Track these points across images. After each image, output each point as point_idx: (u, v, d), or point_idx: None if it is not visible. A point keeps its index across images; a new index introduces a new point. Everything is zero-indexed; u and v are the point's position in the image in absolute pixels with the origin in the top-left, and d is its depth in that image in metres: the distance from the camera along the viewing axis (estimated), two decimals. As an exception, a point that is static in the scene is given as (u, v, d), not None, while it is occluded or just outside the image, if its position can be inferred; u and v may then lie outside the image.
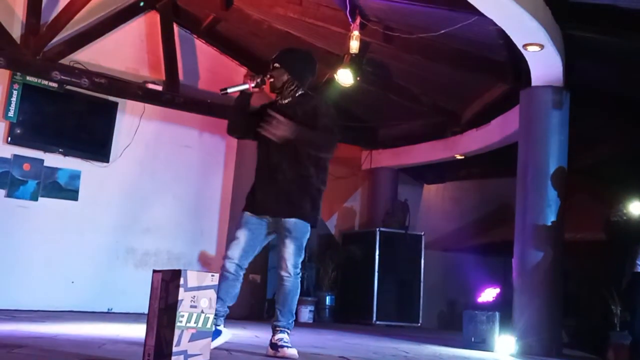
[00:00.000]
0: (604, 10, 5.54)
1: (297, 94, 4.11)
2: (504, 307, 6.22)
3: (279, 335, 3.92)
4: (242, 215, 4.10)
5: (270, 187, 4.01)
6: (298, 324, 8.11)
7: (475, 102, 8.52)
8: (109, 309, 7.45)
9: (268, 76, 4.08)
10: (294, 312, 4.04)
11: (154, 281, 3.14)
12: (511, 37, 5.71)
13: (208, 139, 8.62)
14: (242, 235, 4.02)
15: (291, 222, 3.96)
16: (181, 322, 2.91)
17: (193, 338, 2.93)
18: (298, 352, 3.88)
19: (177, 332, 2.89)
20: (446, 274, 10.25)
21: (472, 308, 6.32)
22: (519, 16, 5.23)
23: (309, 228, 4.04)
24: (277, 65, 4.08)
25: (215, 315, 3.75)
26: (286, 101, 4.10)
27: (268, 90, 4.15)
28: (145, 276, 3.17)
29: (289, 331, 3.97)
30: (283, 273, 3.95)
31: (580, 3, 5.63)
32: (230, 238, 4.10)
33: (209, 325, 2.98)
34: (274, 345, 3.89)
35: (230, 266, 3.97)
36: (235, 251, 3.99)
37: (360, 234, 9.70)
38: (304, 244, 4.03)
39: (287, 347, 3.85)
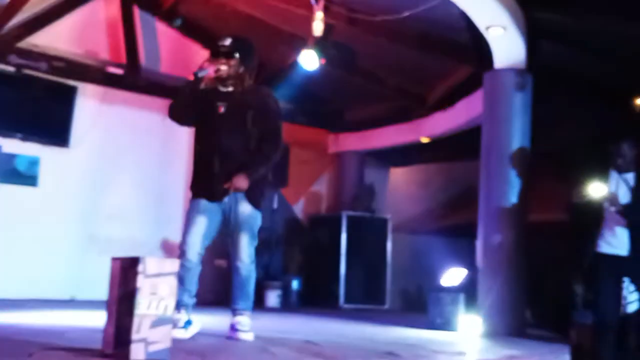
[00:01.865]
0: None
1: (245, 84, 4.16)
2: (470, 289, 6.26)
3: (237, 318, 4.07)
4: (195, 202, 4.10)
5: (224, 173, 4.01)
6: (265, 308, 8.10)
7: (440, 84, 8.53)
8: (71, 297, 7.33)
9: (224, 63, 4.08)
10: (252, 295, 4.15)
11: (113, 268, 3.09)
12: (473, 19, 5.70)
13: (170, 124, 8.37)
14: (201, 221, 4.04)
15: (246, 210, 4.04)
16: (140, 309, 2.85)
17: (153, 325, 2.88)
18: (261, 337, 3.90)
19: (136, 320, 2.84)
20: (413, 257, 10.28)
21: (438, 290, 6.35)
22: (481, -2, 5.23)
23: (260, 215, 4.15)
24: (236, 55, 4.09)
25: (185, 306, 3.91)
26: (230, 89, 4.13)
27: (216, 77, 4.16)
28: (109, 264, 3.11)
29: (248, 313, 4.11)
30: (239, 263, 4.08)
31: (542, -16, 5.65)
32: (188, 224, 4.07)
33: (169, 312, 2.93)
34: (232, 327, 4.07)
35: (193, 255, 4.01)
36: (196, 238, 4.01)
37: (327, 218, 9.68)
38: (256, 232, 4.14)
39: (244, 331, 4.02)
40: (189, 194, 4.23)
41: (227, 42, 4.13)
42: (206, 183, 4.09)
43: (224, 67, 4.06)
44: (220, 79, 4.12)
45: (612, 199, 4.53)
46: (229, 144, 4.04)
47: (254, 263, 4.13)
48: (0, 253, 7.08)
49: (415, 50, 7.45)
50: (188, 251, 3.99)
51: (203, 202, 4.07)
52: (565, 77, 7.04)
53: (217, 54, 4.12)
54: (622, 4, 5.34)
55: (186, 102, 4.18)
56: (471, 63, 7.17)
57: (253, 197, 4.08)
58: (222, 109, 4.07)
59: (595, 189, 4.67)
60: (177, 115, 4.27)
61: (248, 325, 4.09)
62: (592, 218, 5.16)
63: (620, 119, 6.85)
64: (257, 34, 7.79)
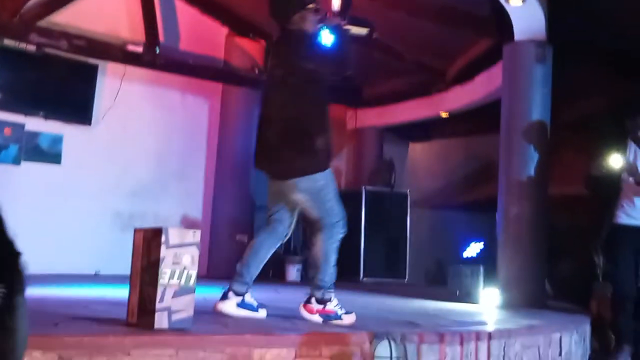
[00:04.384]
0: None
1: None
2: (489, 262, 6.28)
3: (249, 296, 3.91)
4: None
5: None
6: (286, 282, 8.19)
7: (460, 58, 8.48)
8: (96, 272, 7.46)
9: None
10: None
11: (136, 240, 3.15)
12: (493, -10, 5.66)
13: (191, 101, 8.56)
14: None
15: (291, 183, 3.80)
16: (164, 279, 2.92)
17: (176, 294, 2.94)
18: (282, 308, 3.91)
19: (160, 289, 2.90)
20: (433, 231, 10.32)
21: (458, 263, 6.38)
22: (500, -32, 5.19)
23: (319, 178, 3.78)
24: None
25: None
26: None
27: None
28: (132, 239, 3.17)
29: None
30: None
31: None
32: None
33: (191, 282, 2.99)
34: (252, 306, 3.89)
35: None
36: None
37: (347, 193, 9.65)
38: (323, 196, 3.79)
39: (259, 306, 3.91)
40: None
41: None
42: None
43: None
44: None
45: (631, 169, 4.52)
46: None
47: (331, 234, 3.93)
48: (25, 230, 7.17)
49: (434, 24, 7.40)
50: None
51: None
52: (585, 48, 6.97)
53: None
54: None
55: None
56: (491, 35, 7.11)
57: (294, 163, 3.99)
58: None
59: (614, 161, 4.66)
60: None
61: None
62: (610, 190, 5.15)
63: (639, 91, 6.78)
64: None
